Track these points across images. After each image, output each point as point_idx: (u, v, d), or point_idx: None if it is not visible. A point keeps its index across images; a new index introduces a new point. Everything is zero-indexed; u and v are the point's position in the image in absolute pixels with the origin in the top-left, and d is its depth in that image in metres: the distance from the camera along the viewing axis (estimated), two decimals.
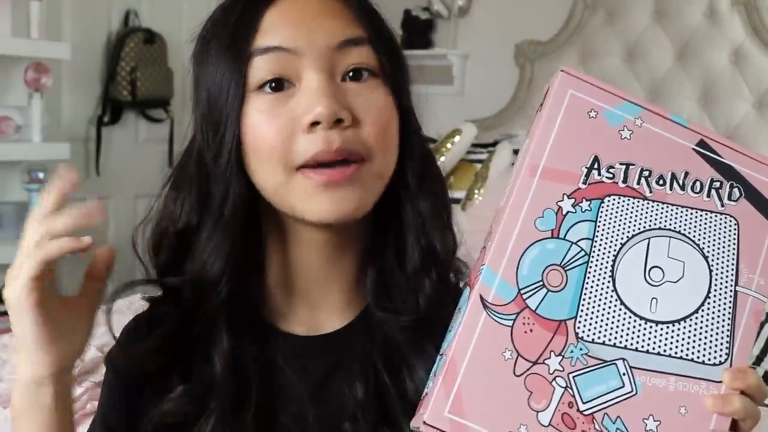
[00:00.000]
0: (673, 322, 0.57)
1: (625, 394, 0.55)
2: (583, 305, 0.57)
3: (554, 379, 0.55)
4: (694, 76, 2.71)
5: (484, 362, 0.56)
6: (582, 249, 0.58)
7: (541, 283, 0.57)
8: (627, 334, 0.56)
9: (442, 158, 2.73)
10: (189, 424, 0.71)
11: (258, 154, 0.69)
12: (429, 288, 0.73)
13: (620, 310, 0.57)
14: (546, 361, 0.56)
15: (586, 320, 0.57)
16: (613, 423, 0.54)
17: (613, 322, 0.57)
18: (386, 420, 0.71)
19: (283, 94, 0.69)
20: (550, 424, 0.54)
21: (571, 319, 0.57)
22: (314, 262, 0.75)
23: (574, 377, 0.55)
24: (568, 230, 0.58)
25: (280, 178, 0.69)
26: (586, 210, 0.59)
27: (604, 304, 0.57)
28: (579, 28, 2.98)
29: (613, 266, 0.58)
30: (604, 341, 0.56)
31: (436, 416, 0.55)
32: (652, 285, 0.58)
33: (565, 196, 0.59)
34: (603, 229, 0.59)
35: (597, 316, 0.57)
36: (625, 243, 0.59)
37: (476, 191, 2.61)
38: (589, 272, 0.58)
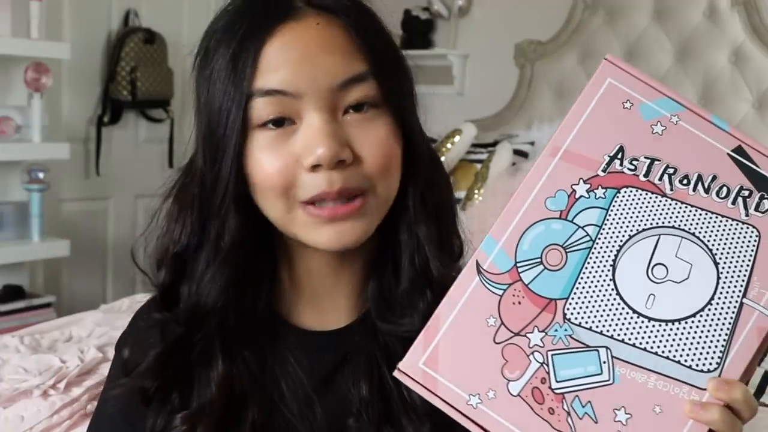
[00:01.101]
0: (667, 321, 0.56)
1: (602, 381, 0.55)
2: (577, 288, 0.57)
3: (532, 353, 0.56)
4: (694, 76, 2.71)
5: (467, 324, 0.56)
6: (587, 234, 0.58)
7: (539, 260, 0.57)
8: (616, 324, 0.56)
9: (442, 158, 2.73)
10: None
11: (261, 188, 0.70)
12: (423, 306, 0.74)
13: (614, 299, 0.56)
14: (528, 335, 0.56)
15: (577, 303, 0.56)
16: (583, 407, 0.54)
17: (604, 310, 0.56)
18: (389, 419, 0.71)
19: (285, 131, 0.69)
20: (518, 395, 0.55)
21: (562, 299, 0.56)
22: (322, 272, 0.77)
23: (552, 355, 0.55)
24: (577, 214, 0.58)
25: (282, 211, 0.70)
26: (599, 197, 0.59)
27: (599, 290, 0.57)
28: (579, 28, 2.98)
29: (616, 256, 0.57)
30: (591, 327, 0.56)
31: (410, 365, 0.56)
32: (653, 281, 0.57)
33: (582, 181, 0.59)
34: (613, 219, 0.58)
35: (589, 301, 0.56)
36: (633, 235, 0.58)
37: (476, 191, 2.62)
38: (590, 257, 0.57)
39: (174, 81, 3.21)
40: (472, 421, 0.55)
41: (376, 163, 0.70)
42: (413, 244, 0.75)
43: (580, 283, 0.57)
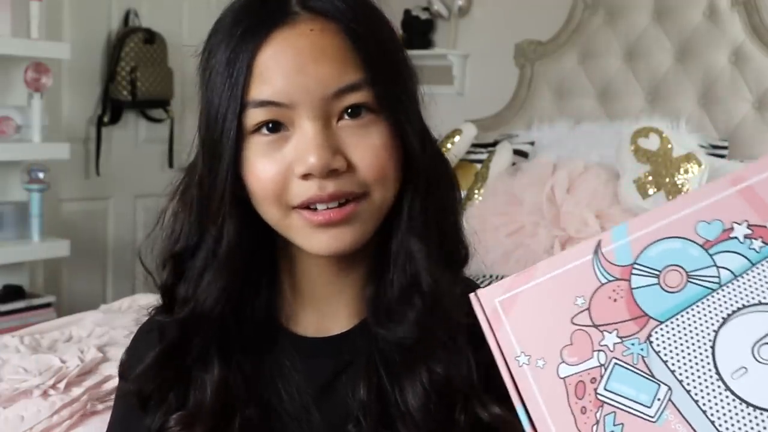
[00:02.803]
0: (744, 401, 0.51)
1: (645, 414, 0.52)
2: (677, 319, 0.53)
3: (599, 351, 0.53)
4: (694, 76, 2.71)
5: (557, 291, 0.55)
6: (718, 277, 0.53)
7: (657, 273, 0.54)
8: (692, 374, 0.52)
9: None
10: None
11: (255, 194, 0.70)
12: (413, 315, 0.73)
13: (704, 350, 0.52)
14: (605, 333, 0.53)
15: (668, 333, 0.53)
16: (614, 425, 0.52)
17: (689, 354, 0.53)
18: (386, 425, 0.71)
19: (279, 136, 0.69)
20: (564, 379, 0.53)
21: (656, 320, 0.53)
22: (322, 277, 0.77)
23: (615, 363, 0.53)
24: (720, 252, 0.54)
25: (277, 216, 0.70)
26: (753, 249, 0.54)
27: (696, 334, 0.53)
28: (579, 28, 2.98)
29: (732, 313, 0.53)
30: (666, 361, 0.53)
31: (488, 296, 0.55)
32: (754, 357, 0.52)
33: (746, 223, 0.54)
34: (753, 277, 0.53)
35: (680, 338, 0.53)
36: (762, 304, 0.53)
37: (476, 191, 2.62)
38: (707, 300, 0.53)
39: (174, 81, 3.21)
40: (511, 375, 0.54)
41: (369, 171, 0.69)
42: (405, 254, 0.74)
43: (683, 316, 0.53)
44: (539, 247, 2.27)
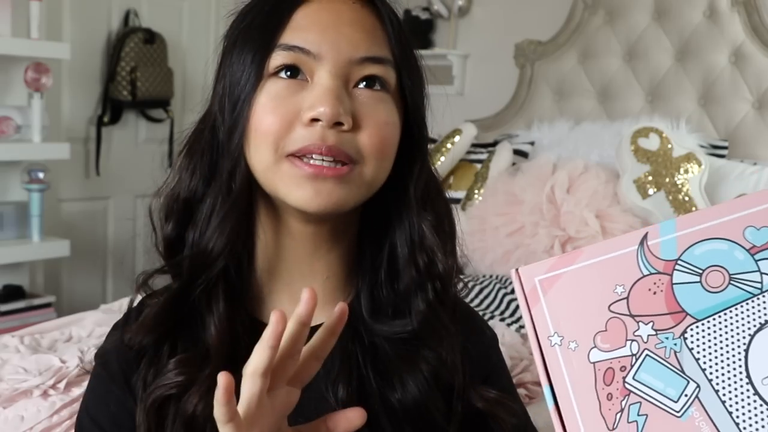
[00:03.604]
0: None
1: (670, 408, 0.52)
2: (714, 319, 0.53)
3: (632, 340, 0.53)
4: (694, 76, 2.71)
5: (598, 277, 0.55)
6: (761, 282, 0.54)
7: (700, 271, 0.54)
8: (722, 375, 0.52)
9: (442, 158, 2.74)
10: (183, 394, 0.71)
11: (256, 134, 0.71)
12: (423, 306, 0.74)
13: (737, 353, 0.53)
14: (640, 323, 0.54)
15: (703, 332, 0.53)
16: (638, 415, 0.53)
17: (721, 355, 0.53)
18: (368, 422, 0.71)
19: (295, 83, 0.71)
20: (593, 363, 0.53)
21: (693, 318, 0.53)
22: (300, 253, 0.77)
23: (647, 355, 0.53)
24: (765, 259, 0.54)
25: (269, 161, 0.71)
26: None
27: (730, 336, 0.53)
28: (579, 28, 2.98)
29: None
30: (698, 359, 0.53)
31: (529, 273, 0.55)
32: None
33: None
34: None
35: (714, 338, 0.53)
36: None
37: (476, 191, 2.62)
38: (747, 303, 0.53)
39: (174, 81, 3.21)
40: (542, 354, 0.54)
41: (371, 140, 0.71)
42: (416, 241, 0.75)
43: (720, 317, 0.53)
44: (539, 247, 2.27)
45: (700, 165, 2.29)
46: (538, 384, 1.48)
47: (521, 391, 1.44)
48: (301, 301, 0.61)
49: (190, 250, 0.75)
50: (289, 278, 0.78)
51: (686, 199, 2.26)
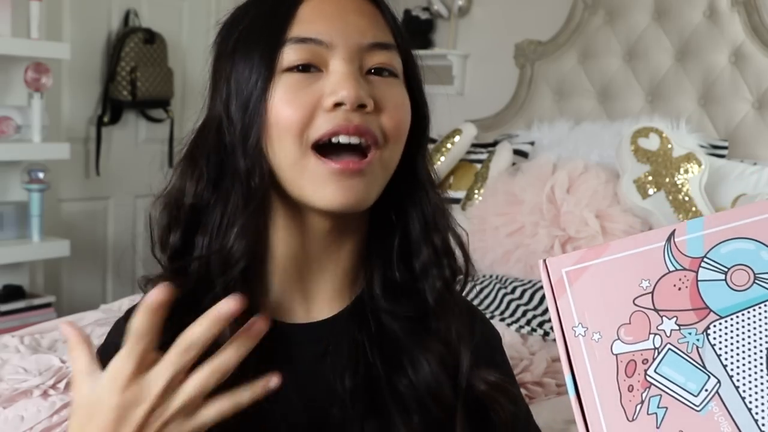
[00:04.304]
0: None
1: (690, 402, 0.53)
2: (737, 317, 0.54)
3: (655, 334, 0.54)
4: (694, 76, 2.71)
5: (623, 271, 0.56)
6: None
7: (725, 269, 0.55)
8: (743, 372, 0.53)
9: (442, 158, 2.74)
10: None
11: (277, 128, 0.71)
12: (439, 283, 0.76)
13: (760, 350, 0.53)
14: (664, 318, 0.54)
15: (726, 329, 0.54)
16: (658, 407, 0.53)
17: (743, 352, 0.53)
18: (376, 410, 0.71)
19: (310, 76, 0.72)
20: (616, 355, 0.54)
21: (717, 315, 0.54)
22: (313, 250, 0.77)
23: (669, 349, 0.54)
24: None
25: (295, 155, 0.71)
26: None
27: (753, 334, 0.54)
28: (579, 28, 2.98)
29: None
30: (720, 355, 0.53)
31: (556, 265, 0.56)
32: None
33: None
34: None
35: (737, 336, 0.54)
36: None
37: (476, 191, 2.62)
38: None
39: (174, 81, 3.21)
40: (566, 344, 0.55)
41: (392, 121, 0.73)
42: (430, 221, 0.77)
43: (743, 315, 0.54)
44: (539, 247, 2.27)
45: (700, 165, 2.29)
46: (539, 384, 1.49)
47: (521, 390, 1.44)
48: (228, 303, 0.60)
49: (201, 254, 0.74)
50: (299, 275, 0.78)
51: (686, 199, 2.26)
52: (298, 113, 0.70)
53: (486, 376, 0.77)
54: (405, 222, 0.78)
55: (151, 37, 3.11)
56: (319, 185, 0.71)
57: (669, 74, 2.76)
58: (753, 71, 2.59)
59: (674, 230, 0.56)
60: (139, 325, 0.61)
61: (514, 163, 2.65)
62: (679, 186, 2.28)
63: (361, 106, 0.70)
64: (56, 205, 3.00)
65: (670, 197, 2.28)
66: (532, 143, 2.81)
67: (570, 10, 2.99)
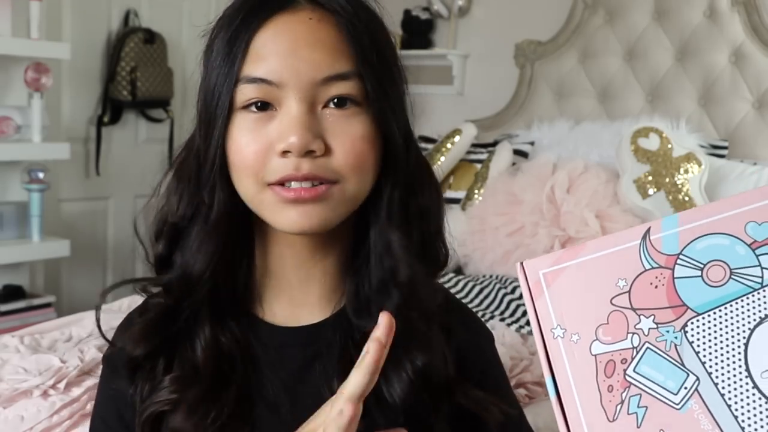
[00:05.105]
0: None
1: (670, 401, 0.53)
2: (714, 313, 0.54)
3: (633, 333, 0.54)
4: (694, 76, 2.71)
5: (600, 271, 0.56)
6: (761, 277, 0.54)
7: (701, 266, 0.55)
8: (722, 368, 0.53)
9: (442, 158, 2.74)
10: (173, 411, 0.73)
11: (236, 168, 0.73)
12: (390, 308, 0.74)
13: (737, 347, 0.53)
14: (641, 317, 0.54)
15: (703, 325, 0.54)
16: (638, 407, 0.53)
17: (721, 348, 0.53)
18: (363, 414, 0.71)
19: (265, 115, 0.72)
20: (595, 356, 0.54)
21: (694, 312, 0.54)
22: (295, 261, 0.79)
23: (647, 348, 0.54)
24: (766, 254, 0.54)
25: (253, 191, 0.73)
26: None
27: (730, 330, 0.53)
28: (579, 28, 2.98)
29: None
30: (698, 352, 0.53)
31: (533, 267, 0.56)
32: None
33: None
34: None
35: (714, 332, 0.53)
36: None
37: (476, 191, 2.62)
38: (747, 298, 0.54)
39: (174, 81, 3.21)
40: (544, 345, 0.55)
41: (345, 159, 0.71)
42: (382, 247, 0.76)
43: (720, 311, 0.54)
44: (539, 247, 2.27)
45: (700, 165, 2.29)
46: (539, 384, 1.48)
47: (521, 391, 1.44)
48: (380, 325, 0.63)
49: (176, 272, 0.77)
50: (286, 282, 0.80)
51: (686, 199, 2.26)
52: (252, 158, 0.71)
53: (472, 393, 0.77)
54: (369, 243, 0.78)
55: (151, 37, 3.11)
56: (276, 213, 0.72)
57: (669, 74, 2.76)
58: (753, 71, 2.59)
59: (649, 228, 0.56)
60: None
61: (514, 163, 2.65)
62: (679, 186, 2.28)
63: (309, 152, 0.70)
64: (56, 205, 3.00)
65: (670, 197, 2.28)
66: (532, 143, 2.81)
67: (570, 10, 2.99)
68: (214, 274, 0.75)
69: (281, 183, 0.71)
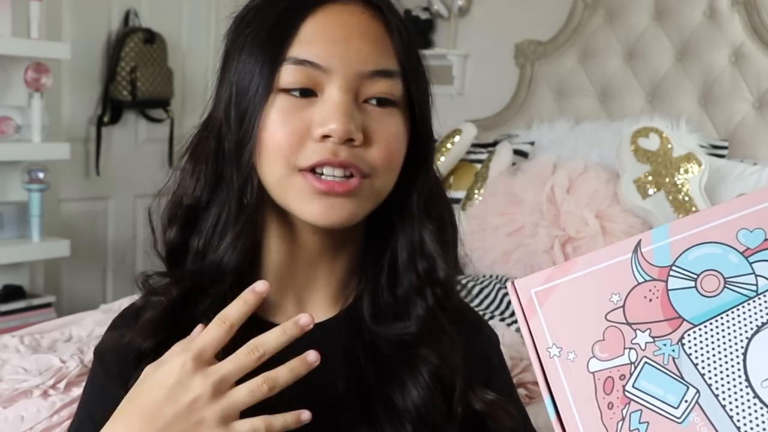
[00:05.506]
0: None
1: (671, 415, 0.52)
2: (711, 324, 0.53)
3: (630, 348, 0.53)
4: (694, 76, 2.71)
5: (593, 287, 0.55)
6: (756, 285, 0.53)
7: (695, 276, 0.54)
8: (722, 379, 0.52)
9: (442, 158, 2.74)
10: None
11: (266, 149, 0.71)
12: (422, 311, 0.74)
13: (735, 357, 0.52)
14: (637, 331, 0.53)
15: (700, 337, 0.53)
16: (639, 423, 0.52)
17: (719, 359, 0.52)
18: (368, 418, 0.71)
19: (305, 101, 0.71)
20: (593, 373, 0.53)
21: (690, 324, 0.53)
22: (306, 260, 0.78)
23: (645, 363, 0.53)
24: (760, 261, 0.53)
25: (280, 174, 0.71)
26: None
27: (728, 340, 0.53)
28: (579, 28, 2.98)
29: (766, 322, 0.53)
30: (697, 364, 0.53)
31: (524, 286, 0.56)
32: None
33: None
34: None
35: (712, 343, 0.53)
36: None
37: (476, 191, 2.62)
38: (743, 307, 0.53)
39: (174, 81, 3.21)
40: (541, 366, 0.54)
41: (380, 154, 0.72)
42: (413, 246, 0.76)
43: (717, 321, 0.53)
44: (539, 247, 2.27)
45: (700, 165, 2.29)
46: (538, 384, 1.48)
47: (521, 391, 1.44)
48: (301, 320, 0.65)
49: (194, 257, 0.76)
50: (293, 282, 0.79)
51: (686, 199, 2.26)
52: (287, 139, 0.70)
53: (484, 395, 0.76)
54: (394, 246, 0.78)
55: (151, 37, 3.11)
56: (304, 202, 0.71)
57: (669, 74, 2.76)
58: (753, 71, 2.59)
59: (640, 240, 0.55)
60: (233, 312, 0.64)
61: (514, 163, 2.65)
62: (679, 186, 2.28)
63: (349, 140, 0.70)
64: (56, 205, 3.00)
65: (670, 197, 2.28)
66: (532, 143, 2.81)
67: (570, 10, 2.99)
68: (245, 265, 0.74)
69: (313, 170, 0.70)
